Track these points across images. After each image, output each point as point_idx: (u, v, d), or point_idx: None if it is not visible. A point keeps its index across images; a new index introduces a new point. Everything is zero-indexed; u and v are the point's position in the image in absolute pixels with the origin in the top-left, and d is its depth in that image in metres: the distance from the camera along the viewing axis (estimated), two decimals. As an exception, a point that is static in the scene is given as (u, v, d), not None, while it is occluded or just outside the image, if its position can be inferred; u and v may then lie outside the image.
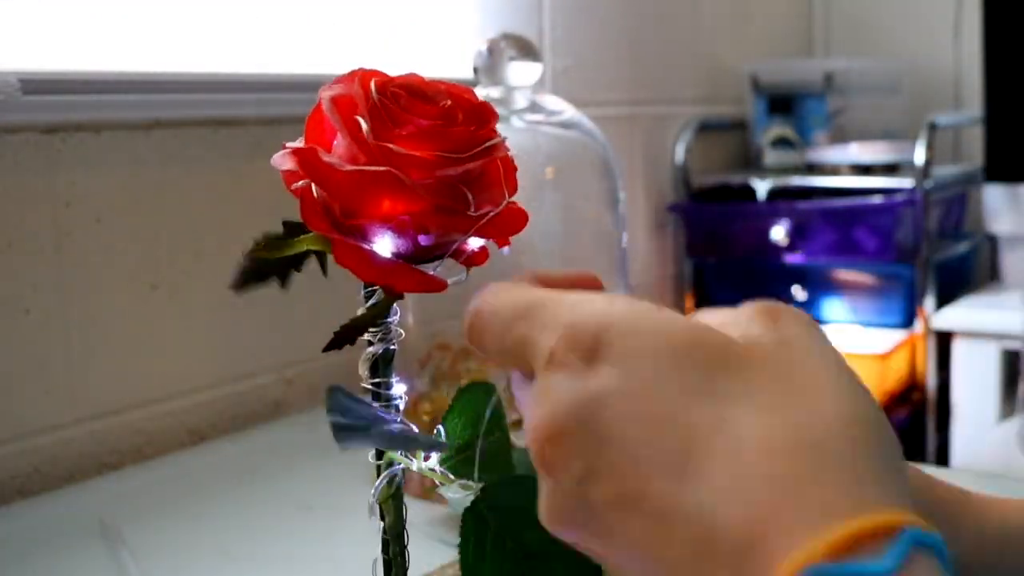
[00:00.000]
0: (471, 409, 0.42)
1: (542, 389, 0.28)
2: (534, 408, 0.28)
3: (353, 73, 0.38)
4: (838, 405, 0.27)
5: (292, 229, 0.38)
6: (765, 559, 0.23)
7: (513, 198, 0.39)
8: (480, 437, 0.41)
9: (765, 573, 0.23)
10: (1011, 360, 1.67)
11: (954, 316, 1.68)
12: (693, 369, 0.27)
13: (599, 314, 0.28)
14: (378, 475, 0.40)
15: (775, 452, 0.25)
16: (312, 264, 0.40)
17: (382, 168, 0.35)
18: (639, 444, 0.26)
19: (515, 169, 0.40)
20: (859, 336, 1.72)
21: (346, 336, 0.38)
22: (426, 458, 0.41)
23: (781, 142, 1.91)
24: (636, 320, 0.28)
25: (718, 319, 0.31)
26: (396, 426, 0.38)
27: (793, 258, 1.74)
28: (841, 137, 1.91)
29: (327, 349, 0.38)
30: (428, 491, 0.73)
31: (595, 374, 0.27)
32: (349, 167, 0.36)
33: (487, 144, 0.37)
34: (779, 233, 1.72)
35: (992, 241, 1.94)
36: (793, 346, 0.29)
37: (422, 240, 0.37)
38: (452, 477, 0.40)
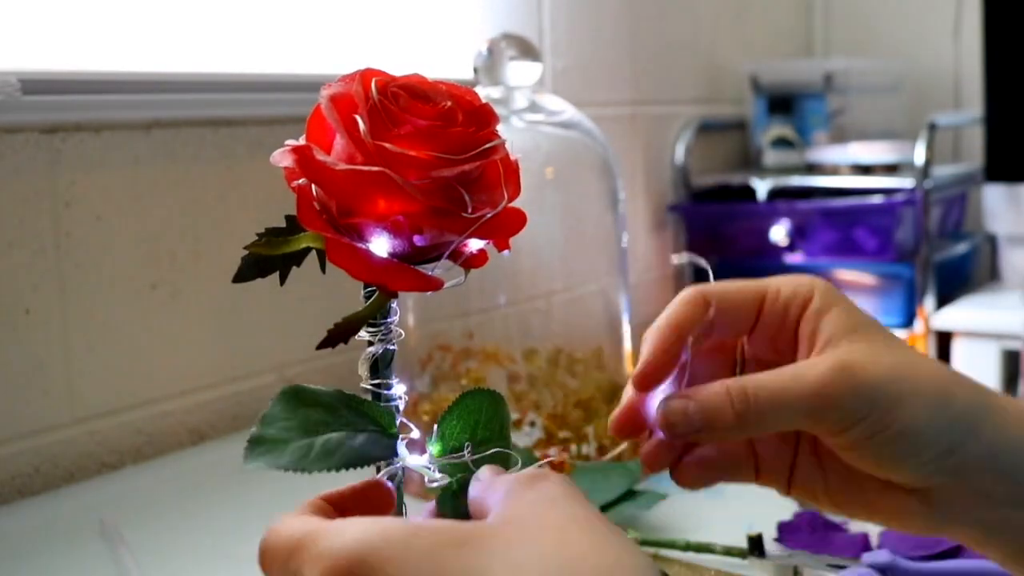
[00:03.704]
0: (471, 415, 0.41)
1: None
2: None
3: (355, 72, 0.38)
4: (596, 557, 0.30)
5: (294, 224, 0.38)
6: None
7: (514, 200, 0.39)
8: (475, 445, 0.41)
9: None
10: (1011, 360, 1.67)
11: (954, 316, 1.68)
12: (447, 559, 0.30)
13: (354, 544, 0.31)
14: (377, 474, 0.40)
15: None
16: (314, 265, 0.40)
17: (376, 168, 0.35)
18: None
19: (517, 171, 0.40)
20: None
21: (341, 334, 0.38)
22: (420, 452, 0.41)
23: (781, 142, 1.91)
24: (386, 537, 0.31)
25: (482, 485, 0.36)
26: (349, 435, 0.38)
27: (793, 258, 1.74)
28: (841, 137, 1.91)
29: (321, 347, 0.38)
30: (428, 491, 0.73)
31: None
32: (343, 166, 0.36)
33: (486, 146, 0.37)
34: (779, 233, 1.72)
35: (992, 241, 1.94)
36: (549, 508, 0.33)
37: (418, 240, 0.37)
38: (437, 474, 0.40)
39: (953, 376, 0.43)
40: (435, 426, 0.41)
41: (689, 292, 0.44)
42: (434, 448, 0.41)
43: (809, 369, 0.41)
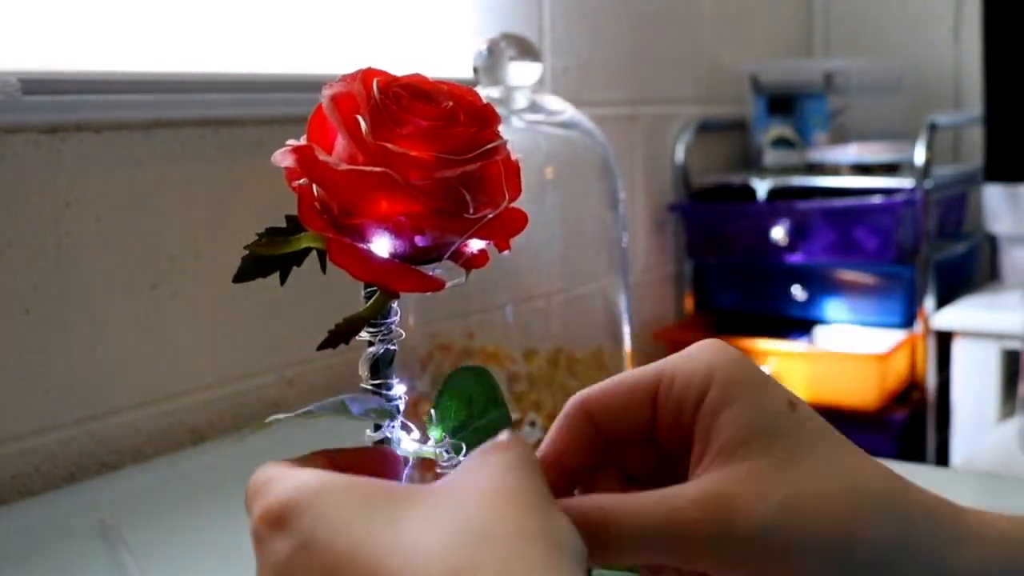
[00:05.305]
0: (462, 391, 0.42)
1: (257, 564, 0.32)
2: None
3: (357, 72, 0.38)
4: (498, 492, 0.30)
5: (295, 224, 0.38)
6: None
7: (516, 201, 0.39)
8: (475, 417, 0.41)
9: None
10: (1011, 360, 1.67)
11: (954, 316, 1.68)
12: (376, 509, 0.30)
13: (291, 489, 0.32)
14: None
15: (449, 558, 0.28)
16: (314, 265, 0.40)
17: (378, 169, 0.35)
18: None
19: (518, 172, 0.40)
20: (859, 336, 1.72)
21: (341, 335, 0.38)
22: (423, 441, 0.41)
23: (781, 142, 1.91)
24: (323, 485, 0.31)
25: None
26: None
27: (793, 258, 1.74)
28: (841, 137, 1.91)
29: (322, 347, 0.38)
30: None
31: (281, 541, 0.31)
32: (345, 166, 0.36)
33: (487, 146, 0.37)
34: (779, 233, 1.72)
35: (992, 241, 1.94)
36: (494, 475, 0.31)
37: (419, 241, 0.37)
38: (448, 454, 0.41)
39: (878, 504, 0.35)
40: (430, 411, 0.41)
41: (570, 407, 0.38)
42: (435, 433, 0.41)
43: (676, 498, 0.34)
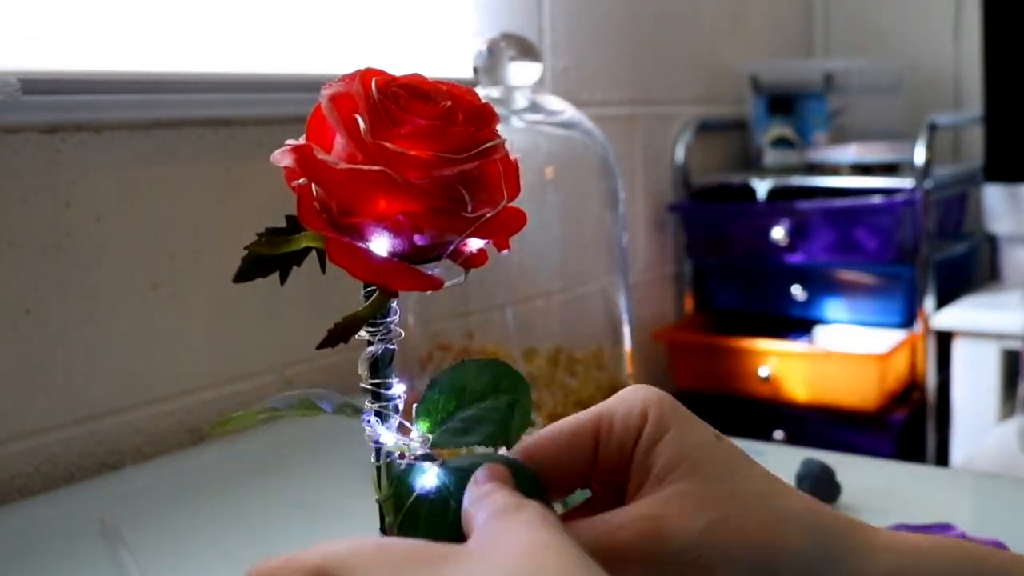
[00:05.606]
0: (456, 383, 0.41)
1: None
2: None
3: (356, 72, 0.38)
4: (550, 559, 0.30)
5: (294, 224, 0.38)
6: None
7: (515, 200, 0.39)
8: (464, 407, 0.41)
9: None
10: (1011, 360, 1.67)
11: (954, 316, 1.68)
12: (410, 569, 0.31)
13: (322, 556, 0.32)
14: (378, 476, 0.40)
15: None
16: (313, 264, 0.40)
17: (376, 168, 0.35)
18: None
19: (517, 171, 0.40)
20: (859, 336, 1.72)
21: (341, 334, 0.38)
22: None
23: (781, 142, 1.91)
24: (352, 551, 0.32)
25: (474, 496, 0.36)
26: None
27: (793, 258, 1.74)
28: (841, 137, 1.91)
29: (321, 347, 0.38)
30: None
31: None
32: (344, 166, 0.36)
33: (485, 145, 0.37)
34: (779, 233, 1.72)
35: (992, 241, 1.94)
36: (524, 532, 0.32)
37: (418, 240, 0.37)
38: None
39: (798, 520, 0.37)
40: (414, 406, 0.41)
41: (513, 456, 0.40)
42: (422, 425, 0.41)
43: (612, 521, 0.37)
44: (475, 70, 0.89)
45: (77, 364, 0.88)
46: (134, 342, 0.92)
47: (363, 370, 0.40)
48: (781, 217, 1.73)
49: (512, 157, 0.40)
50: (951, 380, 1.70)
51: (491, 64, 0.87)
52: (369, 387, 0.40)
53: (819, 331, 1.79)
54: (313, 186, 0.37)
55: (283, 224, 0.39)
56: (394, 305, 0.40)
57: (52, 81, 0.83)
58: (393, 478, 0.39)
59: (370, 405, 0.40)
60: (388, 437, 0.40)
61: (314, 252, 0.39)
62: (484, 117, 0.38)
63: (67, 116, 0.86)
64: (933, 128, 1.67)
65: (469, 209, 0.37)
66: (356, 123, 0.36)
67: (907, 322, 1.70)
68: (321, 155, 0.36)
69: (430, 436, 0.40)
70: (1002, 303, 1.72)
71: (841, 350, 1.65)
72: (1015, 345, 1.62)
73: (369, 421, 0.40)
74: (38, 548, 0.73)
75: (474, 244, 0.39)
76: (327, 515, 0.77)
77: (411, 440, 0.40)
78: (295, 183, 0.37)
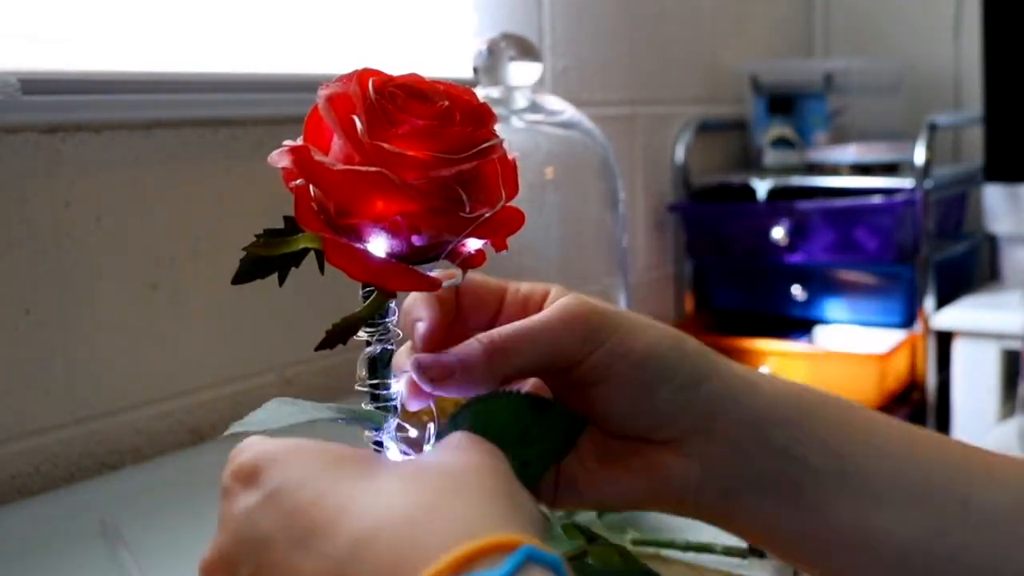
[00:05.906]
0: (479, 419, 0.40)
1: (219, 517, 0.35)
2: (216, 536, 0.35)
3: (353, 72, 0.38)
4: (465, 459, 0.34)
5: (292, 225, 0.38)
6: None
7: (513, 200, 0.39)
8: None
9: None
10: (1011, 360, 1.67)
11: (954, 316, 1.68)
12: (345, 464, 0.34)
13: (264, 448, 0.35)
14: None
15: (412, 498, 0.31)
16: (312, 265, 0.40)
17: (373, 168, 0.35)
18: (290, 533, 0.32)
19: (515, 170, 0.40)
20: (859, 336, 1.72)
21: (339, 335, 0.38)
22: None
23: (781, 142, 1.91)
24: (296, 445, 0.35)
25: None
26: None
27: (793, 258, 1.74)
28: (841, 137, 1.91)
29: (320, 348, 0.38)
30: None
31: (248, 494, 0.34)
32: (341, 166, 0.36)
33: (483, 145, 0.37)
34: (779, 233, 1.72)
35: (992, 241, 1.94)
36: (447, 457, 0.35)
37: (416, 240, 0.37)
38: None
39: (695, 343, 0.44)
40: (429, 425, 0.41)
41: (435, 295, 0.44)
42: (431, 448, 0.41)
43: (548, 308, 0.42)
44: (475, 70, 0.89)
45: (77, 364, 0.88)
46: (134, 342, 0.92)
47: (362, 370, 0.40)
48: (781, 217, 1.73)
49: (510, 156, 0.40)
50: (951, 380, 1.70)
51: (491, 64, 0.87)
52: (367, 388, 0.40)
53: (819, 331, 1.79)
54: (311, 187, 0.37)
55: (283, 225, 0.39)
56: (392, 305, 0.40)
57: (52, 81, 0.83)
58: None
59: (368, 406, 0.41)
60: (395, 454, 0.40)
61: (312, 253, 0.39)
62: (482, 117, 0.38)
63: (67, 116, 0.86)
64: (933, 128, 1.67)
65: (467, 209, 0.37)
66: (353, 124, 0.36)
67: (907, 322, 1.70)
68: (318, 156, 0.36)
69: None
70: (1002, 303, 1.72)
71: (841, 350, 1.65)
72: (1015, 345, 1.62)
73: (382, 442, 0.40)
74: (38, 548, 0.73)
75: (472, 244, 0.39)
76: (327, 515, 0.77)
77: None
78: (293, 184, 0.37)
